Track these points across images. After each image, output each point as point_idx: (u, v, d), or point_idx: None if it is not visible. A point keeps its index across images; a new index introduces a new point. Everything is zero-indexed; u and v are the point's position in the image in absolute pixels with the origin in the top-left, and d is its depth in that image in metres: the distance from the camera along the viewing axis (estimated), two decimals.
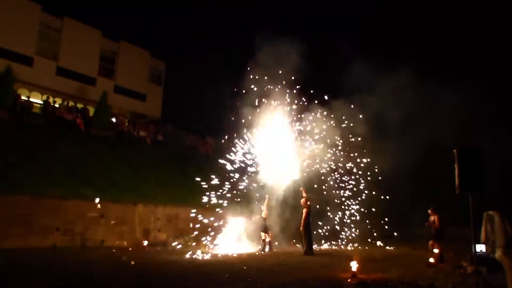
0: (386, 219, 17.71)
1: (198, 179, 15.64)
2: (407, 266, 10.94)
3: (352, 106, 16.21)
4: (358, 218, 17.02)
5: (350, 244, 16.64)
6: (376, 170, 16.76)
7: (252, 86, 15.46)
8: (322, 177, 16.90)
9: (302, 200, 14.25)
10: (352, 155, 16.77)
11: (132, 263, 9.83)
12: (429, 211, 12.52)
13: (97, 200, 13.90)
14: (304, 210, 14.02)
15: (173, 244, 14.86)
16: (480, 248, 8.87)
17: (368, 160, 16.64)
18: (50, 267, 8.88)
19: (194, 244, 14.95)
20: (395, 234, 19.06)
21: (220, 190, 15.84)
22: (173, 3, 40.15)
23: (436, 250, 11.78)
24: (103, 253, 11.85)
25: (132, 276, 8.15)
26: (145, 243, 14.24)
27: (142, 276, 8.08)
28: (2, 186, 12.39)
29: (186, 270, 9.20)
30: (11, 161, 13.82)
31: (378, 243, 17.35)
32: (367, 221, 17.01)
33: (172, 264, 10.15)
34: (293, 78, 15.69)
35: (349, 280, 8.09)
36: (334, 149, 16.61)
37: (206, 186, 15.54)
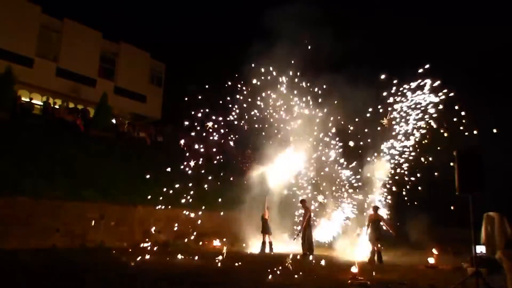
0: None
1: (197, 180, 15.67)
2: (408, 267, 10.93)
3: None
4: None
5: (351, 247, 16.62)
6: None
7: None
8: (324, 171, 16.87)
9: (302, 202, 14.31)
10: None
11: (132, 264, 9.83)
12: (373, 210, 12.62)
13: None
14: (305, 212, 14.06)
15: (173, 246, 14.84)
16: (481, 249, 8.87)
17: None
18: (50, 268, 8.87)
19: (194, 246, 14.95)
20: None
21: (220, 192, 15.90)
22: (173, 4, 40.17)
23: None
24: (102, 254, 11.85)
25: (131, 277, 8.14)
26: (145, 244, 14.23)
27: (141, 277, 8.07)
28: (2, 187, 12.38)
29: (185, 271, 9.20)
30: (11, 162, 13.81)
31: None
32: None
33: (171, 265, 10.15)
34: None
35: (349, 281, 8.09)
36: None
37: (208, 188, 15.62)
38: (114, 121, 23.28)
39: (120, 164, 17.53)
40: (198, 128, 16.72)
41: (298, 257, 12.84)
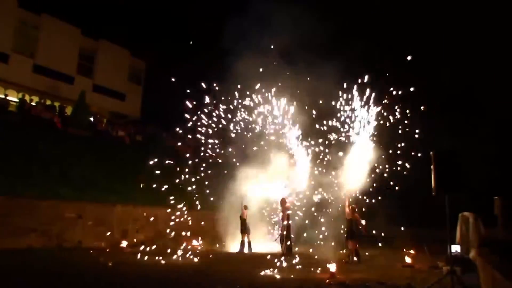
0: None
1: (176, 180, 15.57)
2: (385, 266, 11.09)
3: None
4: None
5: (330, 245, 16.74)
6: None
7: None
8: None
9: (282, 202, 14.36)
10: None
11: (110, 264, 9.72)
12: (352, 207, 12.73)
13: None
14: (286, 213, 14.11)
15: (152, 245, 14.71)
16: (456, 248, 9.06)
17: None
18: (26, 269, 8.71)
19: (173, 245, 14.84)
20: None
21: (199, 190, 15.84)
22: (154, 2, 39.72)
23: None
24: (80, 254, 11.68)
25: (109, 278, 8.06)
26: (123, 244, 14.06)
27: (119, 279, 7.99)
28: None
29: (165, 272, 9.14)
30: None
31: None
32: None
33: (150, 266, 10.07)
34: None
35: (327, 280, 8.17)
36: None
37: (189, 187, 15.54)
38: (92, 119, 22.94)
39: (98, 162, 17.29)
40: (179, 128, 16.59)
41: (277, 257, 12.89)
